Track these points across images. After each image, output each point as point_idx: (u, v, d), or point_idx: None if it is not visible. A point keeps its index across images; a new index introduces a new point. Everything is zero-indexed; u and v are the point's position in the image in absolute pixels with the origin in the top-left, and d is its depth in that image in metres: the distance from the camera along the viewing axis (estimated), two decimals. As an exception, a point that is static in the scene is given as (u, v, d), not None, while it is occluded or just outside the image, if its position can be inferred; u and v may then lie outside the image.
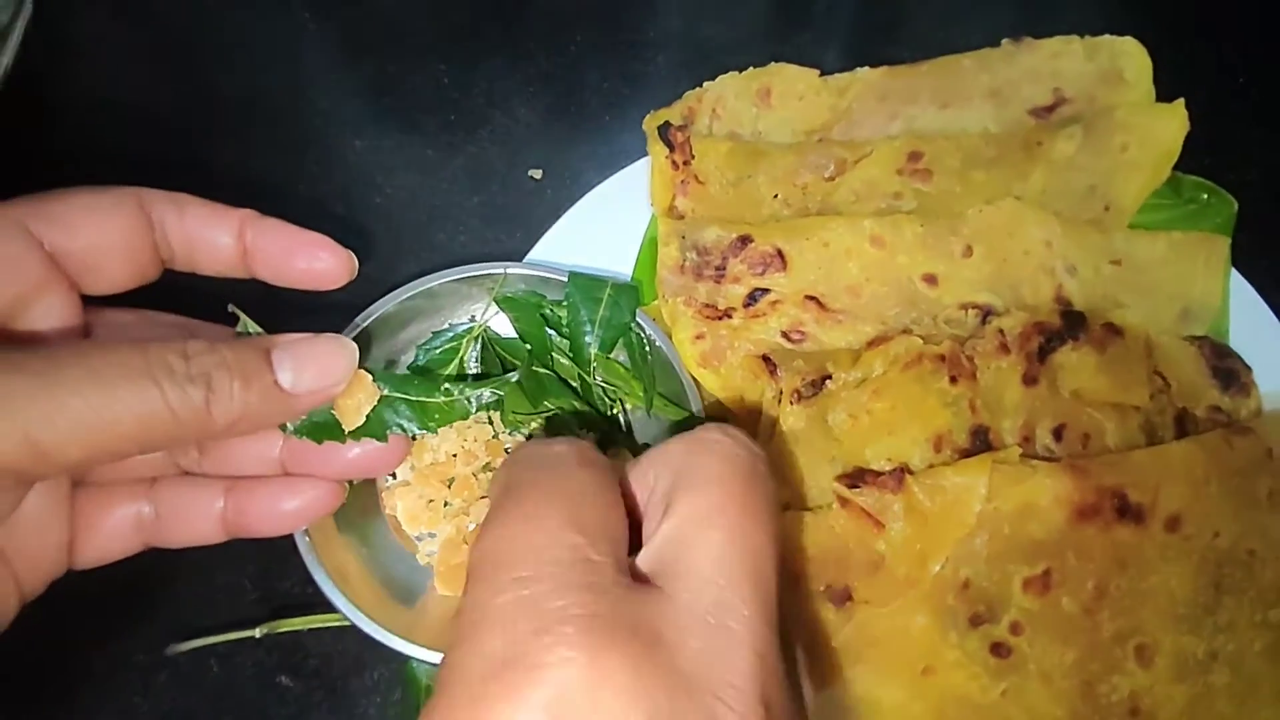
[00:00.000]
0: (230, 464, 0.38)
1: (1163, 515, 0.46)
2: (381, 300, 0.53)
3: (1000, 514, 0.46)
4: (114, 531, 0.36)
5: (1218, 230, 0.59)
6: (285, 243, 0.39)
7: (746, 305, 0.56)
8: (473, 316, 0.56)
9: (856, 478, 0.47)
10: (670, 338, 0.55)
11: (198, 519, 0.38)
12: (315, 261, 0.39)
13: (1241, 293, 0.59)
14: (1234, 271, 0.59)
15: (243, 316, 0.38)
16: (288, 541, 0.48)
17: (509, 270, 0.56)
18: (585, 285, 0.55)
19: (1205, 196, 0.60)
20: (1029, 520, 0.46)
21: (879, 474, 0.47)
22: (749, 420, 0.53)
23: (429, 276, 0.55)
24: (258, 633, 0.48)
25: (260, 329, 0.38)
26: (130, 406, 0.27)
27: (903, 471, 0.47)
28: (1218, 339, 0.56)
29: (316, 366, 0.34)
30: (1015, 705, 0.45)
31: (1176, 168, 0.60)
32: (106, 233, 0.34)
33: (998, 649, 0.45)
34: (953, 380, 0.51)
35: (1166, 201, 0.61)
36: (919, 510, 0.46)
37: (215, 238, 0.38)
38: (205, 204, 0.38)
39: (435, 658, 0.44)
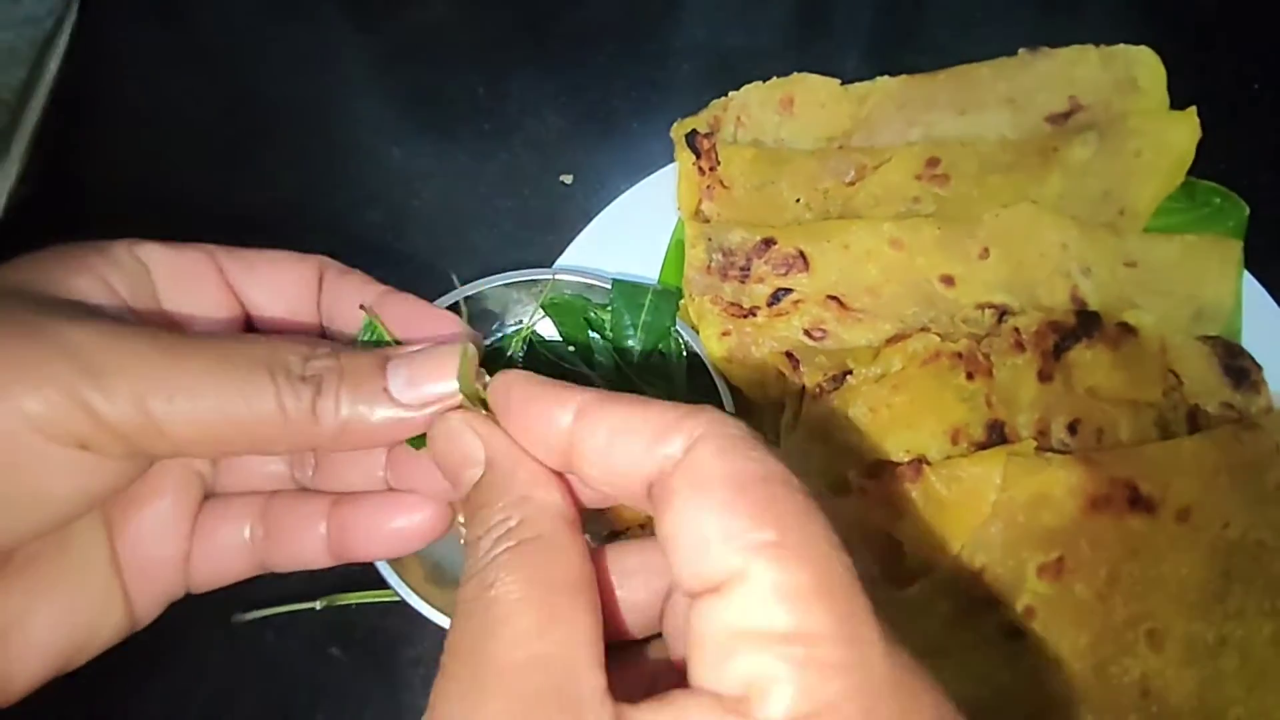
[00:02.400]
0: (339, 478, 0.34)
1: (1174, 506, 0.48)
2: (436, 302, 0.57)
3: (1015, 503, 0.48)
4: (226, 551, 0.33)
5: (1230, 234, 0.61)
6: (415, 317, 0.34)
7: (770, 304, 0.59)
8: (520, 320, 0.59)
9: (876, 468, 0.49)
10: (698, 335, 0.58)
11: (305, 538, 0.33)
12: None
13: (1254, 295, 0.60)
14: (1246, 274, 0.61)
15: (371, 316, 0.33)
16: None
17: (556, 276, 0.59)
18: (628, 291, 0.58)
19: (1218, 201, 0.62)
20: (1043, 509, 0.48)
21: (897, 464, 0.49)
22: (772, 413, 0.55)
23: (479, 281, 0.58)
24: (319, 604, 0.51)
25: (390, 336, 0.33)
26: (246, 398, 0.27)
27: (920, 462, 0.49)
28: (1230, 339, 0.58)
29: (429, 376, 0.29)
30: (1029, 686, 0.46)
31: (1190, 173, 0.62)
32: (284, 284, 0.33)
33: (1012, 633, 0.47)
34: (969, 376, 0.53)
35: (1180, 206, 0.63)
36: (936, 499, 0.48)
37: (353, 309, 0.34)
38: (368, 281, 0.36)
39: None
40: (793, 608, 0.19)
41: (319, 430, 0.28)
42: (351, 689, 0.55)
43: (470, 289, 0.57)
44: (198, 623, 0.56)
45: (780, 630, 0.19)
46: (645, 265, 0.65)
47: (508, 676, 0.21)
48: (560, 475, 0.27)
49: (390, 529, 0.33)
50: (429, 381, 0.29)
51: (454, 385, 0.29)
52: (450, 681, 0.23)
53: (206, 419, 0.26)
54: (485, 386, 0.29)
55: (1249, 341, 0.59)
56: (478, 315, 0.58)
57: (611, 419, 0.24)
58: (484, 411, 0.29)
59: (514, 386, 0.27)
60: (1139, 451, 0.49)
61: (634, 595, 0.27)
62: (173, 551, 0.32)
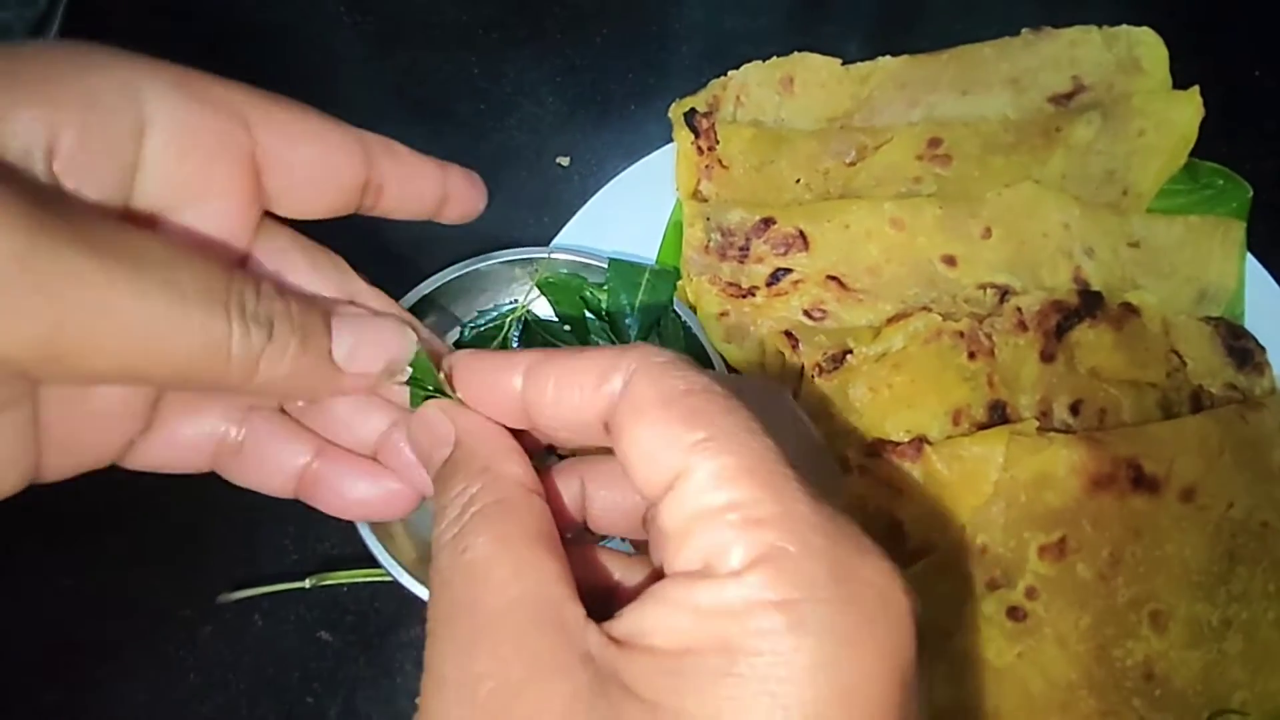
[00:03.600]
0: (329, 426, 0.33)
1: (1177, 486, 0.48)
2: (431, 279, 0.56)
3: (1017, 483, 0.47)
4: (192, 442, 0.30)
5: (1233, 215, 0.61)
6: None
7: (769, 284, 0.58)
8: (516, 298, 0.58)
9: (876, 447, 0.48)
10: (695, 315, 0.57)
11: (279, 466, 0.32)
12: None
13: (1256, 276, 0.60)
14: (1249, 255, 0.60)
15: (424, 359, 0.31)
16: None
17: (553, 255, 0.58)
18: (625, 271, 0.58)
19: (1221, 182, 0.61)
20: (1045, 489, 0.47)
21: (898, 444, 0.48)
22: (772, 394, 0.55)
23: (476, 258, 0.57)
24: (307, 583, 0.50)
25: (443, 386, 0.31)
26: (193, 331, 0.23)
27: (921, 441, 0.48)
28: (1233, 320, 0.57)
29: (375, 347, 0.29)
30: (1031, 667, 0.46)
31: (1193, 154, 0.62)
32: (328, 154, 0.30)
33: (1014, 613, 0.47)
34: (971, 356, 0.53)
35: (1183, 187, 0.62)
36: (937, 478, 0.48)
37: (423, 188, 0.35)
38: (414, 154, 0.34)
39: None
40: (728, 486, 0.22)
41: (257, 379, 0.25)
42: (343, 672, 0.54)
43: (464, 267, 0.56)
44: (187, 605, 0.56)
45: (721, 505, 0.22)
46: (643, 246, 0.64)
47: (494, 622, 0.22)
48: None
49: (359, 494, 0.33)
50: (371, 356, 0.29)
51: (395, 361, 0.29)
52: (440, 642, 0.24)
53: (134, 352, 0.22)
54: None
55: (1251, 323, 0.59)
56: (472, 294, 0.58)
57: (556, 371, 0.26)
58: (454, 397, 0.29)
59: (465, 361, 0.29)
60: (1142, 431, 0.49)
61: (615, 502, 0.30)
62: (119, 433, 0.28)
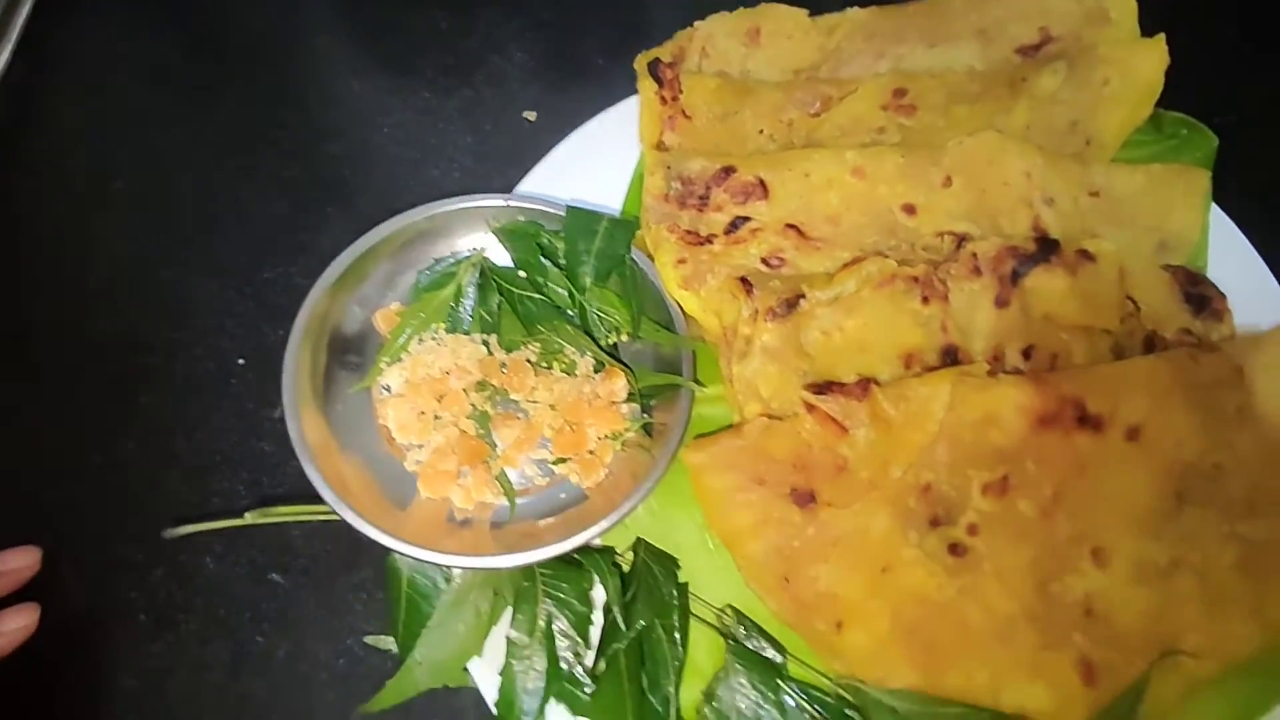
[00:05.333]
0: None
1: (1123, 425, 0.49)
2: (384, 225, 0.58)
3: (963, 422, 0.49)
4: None
5: (1198, 165, 0.62)
6: None
7: (728, 232, 0.59)
8: (476, 247, 0.60)
9: (823, 387, 0.50)
10: (653, 263, 0.59)
11: None
12: None
13: (1221, 226, 0.61)
14: (1214, 206, 0.61)
15: None
16: (283, 450, 0.53)
17: (510, 202, 0.60)
18: (582, 218, 0.59)
19: (1185, 132, 0.63)
20: (990, 428, 0.49)
21: (845, 384, 0.50)
22: (725, 339, 0.56)
23: (433, 203, 0.59)
24: (248, 516, 0.52)
25: None
26: None
27: (868, 381, 0.50)
28: (1197, 269, 0.58)
29: None
30: (971, 602, 0.48)
31: (1159, 105, 0.63)
32: None
33: (955, 549, 0.48)
34: (925, 301, 0.54)
35: (1148, 138, 0.64)
36: (884, 418, 0.49)
37: None
38: None
39: (415, 551, 0.48)
40: None
41: None
42: (293, 613, 0.56)
43: (418, 212, 0.58)
44: (139, 549, 0.57)
45: None
46: (608, 197, 0.66)
47: None
48: None
49: None
50: None
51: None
52: None
53: None
54: None
55: (1215, 272, 0.60)
56: (429, 241, 0.59)
57: None
58: None
59: None
60: (1088, 370, 0.50)
61: None
62: None
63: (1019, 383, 0.49)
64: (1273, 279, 0.61)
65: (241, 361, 0.64)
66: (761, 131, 0.65)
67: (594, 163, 0.66)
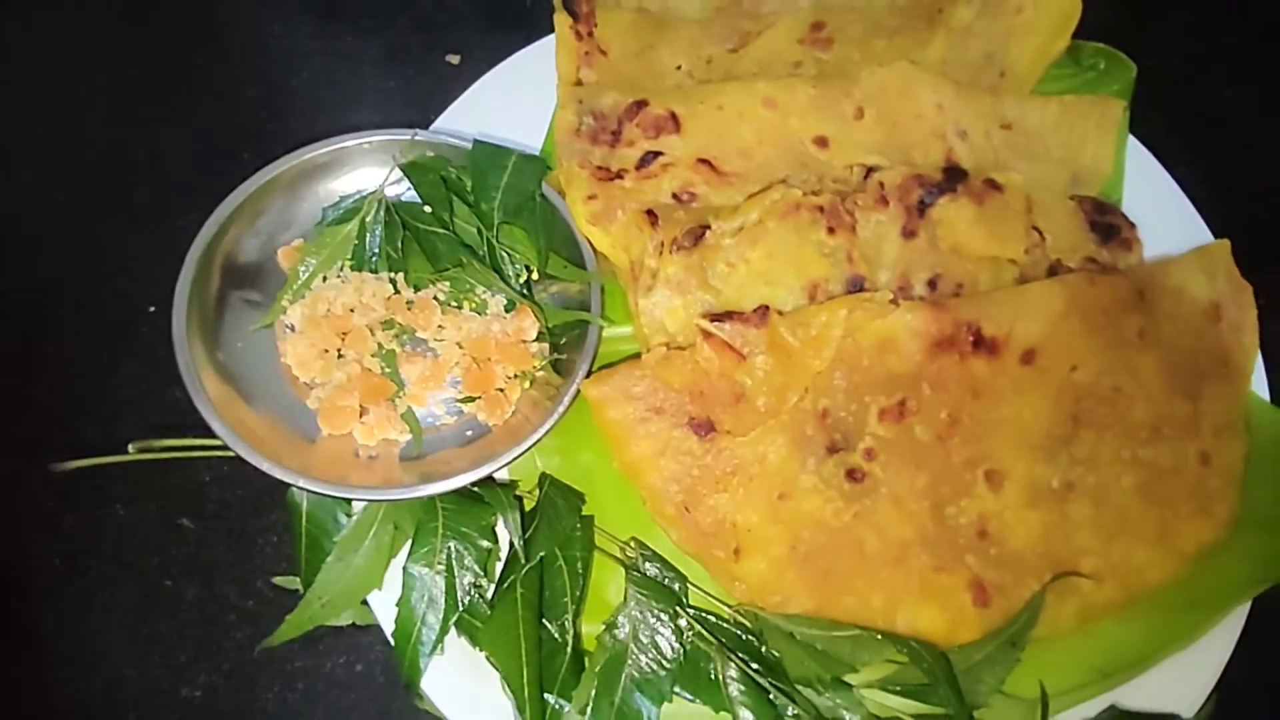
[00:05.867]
0: None
1: (1018, 348, 0.49)
2: (285, 157, 0.57)
3: (860, 348, 0.49)
4: None
5: (1117, 96, 0.62)
6: None
7: (639, 167, 0.59)
8: (381, 182, 0.59)
9: (723, 316, 0.50)
10: (565, 200, 0.58)
11: None
12: None
13: (1138, 158, 0.61)
14: (1132, 138, 0.61)
15: None
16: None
17: (416, 136, 0.59)
18: (489, 153, 0.58)
19: (1104, 64, 0.62)
20: (888, 354, 0.49)
21: (744, 313, 0.50)
22: (633, 273, 0.56)
23: (330, 140, 0.58)
24: (131, 449, 0.52)
25: None
26: None
27: (766, 309, 0.50)
28: (1107, 199, 0.58)
29: None
30: (866, 527, 0.48)
31: (1079, 36, 0.62)
32: None
33: (852, 475, 0.49)
34: (831, 231, 0.54)
35: (1068, 71, 0.63)
36: (782, 345, 0.49)
37: None
38: None
39: (310, 484, 0.48)
40: None
41: None
42: (203, 557, 0.56)
43: (319, 146, 0.57)
44: (50, 493, 0.57)
45: None
46: (530, 135, 0.65)
47: None
48: None
49: None
50: None
51: None
52: None
53: None
54: None
55: (1132, 204, 0.60)
56: (333, 176, 0.59)
57: None
58: None
59: None
60: (985, 295, 0.51)
61: None
62: None
63: (915, 308, 0.49)
64: (1190, 207, 0.61)
65: (153, 309, 0.63)
66: (679, 68, 0.64)
67: (513, 101, 0.66)
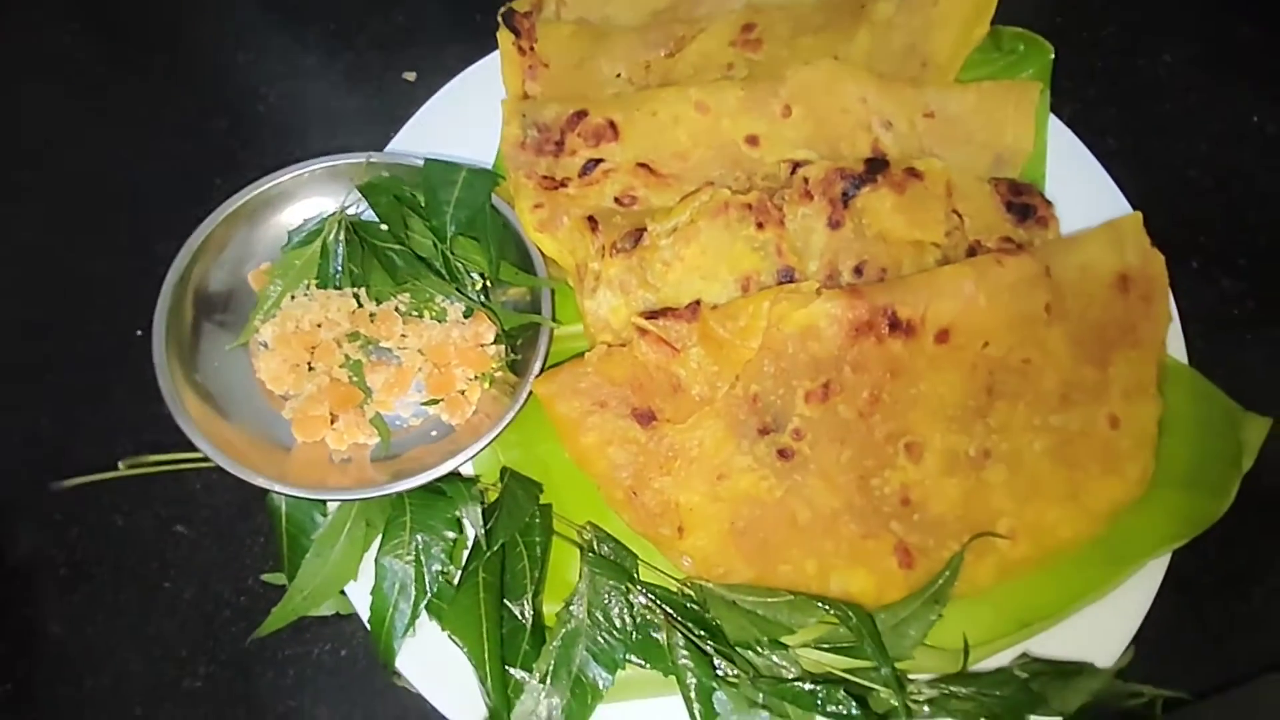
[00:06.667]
0: None
1: (932, 328, 0.53)
2: (244, 190, 0.61)
3: (785, 336, 0.53)
4: None
5: (1036, 78, 0.65)
6: None
7: (581, 175, 0.63)
8: (342, 204, 0.64)
9: (657, 312, 0.54)
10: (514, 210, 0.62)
11: None
12: None
13: (1060, 136, 0.64)
14: (1053, 117, 0.65)
15: None
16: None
17: (371, 159, 0.63)
18: (440, 170, 0.63)
19: (1022, 47, 0.65)
20: (810, 340, 0.53)
21: (676, 308, 0.54)
22: (578, 276, 0.60)
23: (287, 169, 0.62)
24: (122, 465, 0.57)
25: None
26: None
27: (698, 304, 0.54)
28: (1027, 180, 0.62)
29: None
30: (798, 500, 0.52)
31: (1000, 21, 0.65)
32: None
33: (783, 453, 0.53)
34: (760, 226, 0.58)
35: (989, 56, 0.67)
36: (713, 337, 0.53)
37: None
38: None
39: (286, 489, 0.53)
40: None
41: None
42: (197, 559, 0.61)
43: (278, 176, 0.61)
44: (57, 509, 0.62)
45: None
46: (483, 151, 0.68)
47: None
48: None
49: None
50: None
51: None
52: None
53: None
54: None
55: (1056, 183, 0.64)
56: (296, 202, 0.63)
57: None
58: None
59: None
60: (900, 280, 0.54)
61: None
62: None
63: (834, 296, 0.53)
64: (1110, 182, 0.65)
65: (139, 332, 0.68)
66: (619, 75, 0.68)
67: (468, 115, 0.69)
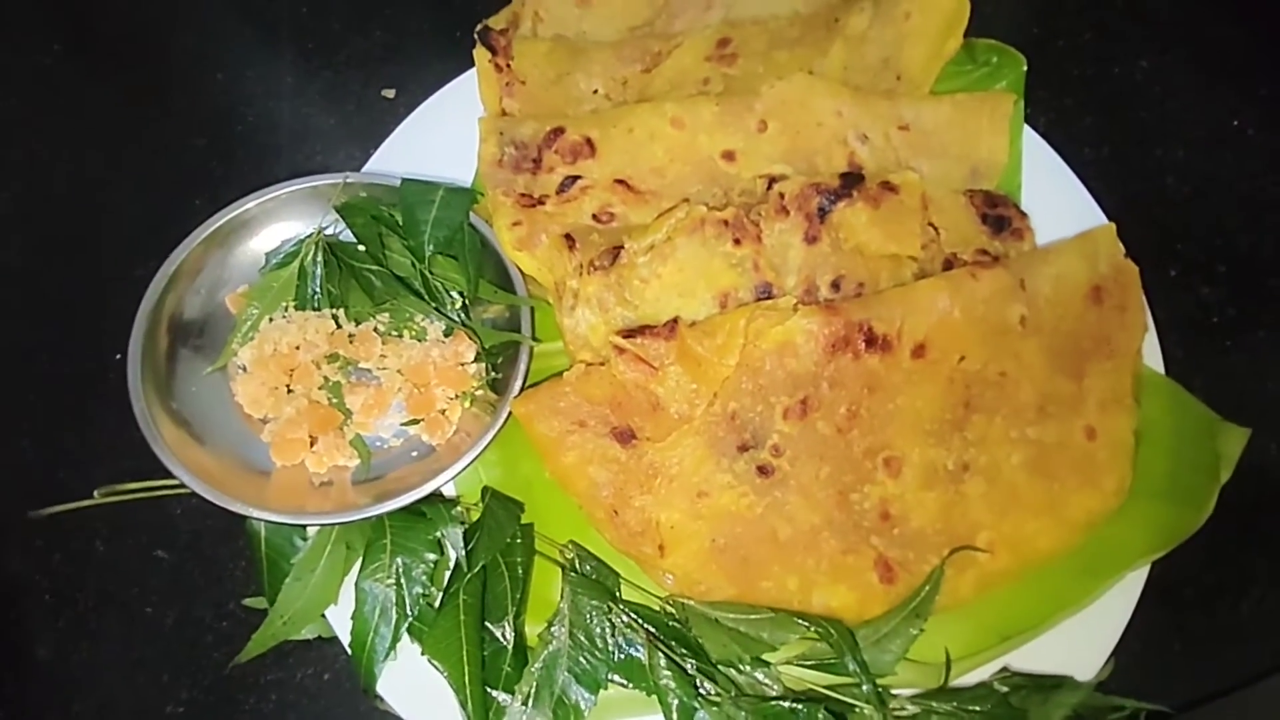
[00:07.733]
0: None
1: (909, 343, 0.54)
2: (219, 213, 0.62)
3: (762, 353, 0.53)
4: None
5: (1009, 89, 0.65)
6: None
7: (559, 192, 0.63)
8: (319, 226, 0.64)
9: (635, 331, 0.54)
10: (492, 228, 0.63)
11: None
12: None
13: (1035, 147, 0.65)
14: (1028, 128, 0.65)
15: None
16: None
17: (348, 179, 0.64)
18: (418, 190, 0.63)
19: (996, 59, 0.66)
20: (787, 357, 0.53)
21: (654, 327, 0.54)
22: (557, 294, 0.60)
23: (264, 190, 0.63)
24: (96, 495, 0.57)
25: None
26: None
27: (675, 321, 0.54)
28: (1003, 192, 0.62)
29: None
30: (778, 517, 0.53)
31: (975, 34, 0.66)
32: None
33: (762, 470, 0.53)
34: (737, 242, 0.58)
35: (964, 68, 0.67)
36: (690, 355, 0.54)
37: None
38: None
39: (263, 514, 0.53)
40: None
41: None
42: (180, 584, 0.61)
43: (253, 198, 0.62)
44: (40, 536, 0.63)
45: None
46: (461, 170, 0.69)
47: None
48: None
49: None
50: None
51: None
52: None
53: None
54: None
55: (1031, 194, 0.65)
56: (275, 224, 0.63)
57: None
58: None
59: None
60: (875, 296, 0.55)
61: None
62: None
63: (810, 313, 0.53)
64: (1085, 193, 0.65)
65: (119, 356, 0.68)
66: (596, 91, 0.69)
67: (442, 135, 0.70)
